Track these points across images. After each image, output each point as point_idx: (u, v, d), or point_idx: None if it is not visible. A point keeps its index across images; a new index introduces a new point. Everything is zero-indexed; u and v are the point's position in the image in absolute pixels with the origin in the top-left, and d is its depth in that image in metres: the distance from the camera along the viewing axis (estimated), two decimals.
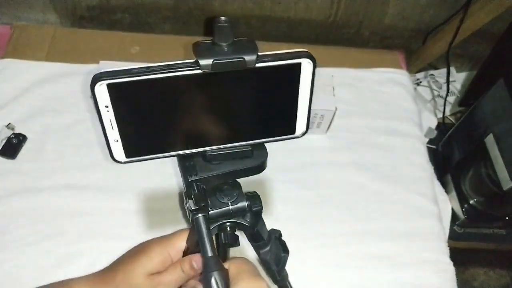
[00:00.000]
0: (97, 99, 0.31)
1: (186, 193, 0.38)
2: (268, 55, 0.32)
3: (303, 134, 0.38)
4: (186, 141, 0.35)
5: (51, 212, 0.66)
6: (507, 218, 0.94)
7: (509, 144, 0.75)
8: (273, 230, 0.49)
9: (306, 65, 0.33)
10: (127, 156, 0.34)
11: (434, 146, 1.01)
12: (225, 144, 0.36)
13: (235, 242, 0.42)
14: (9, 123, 0.73)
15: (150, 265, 0.44)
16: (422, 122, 0.88)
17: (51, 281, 0.53)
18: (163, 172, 0.71)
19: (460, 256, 0.77)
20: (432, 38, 0.98)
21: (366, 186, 0.74)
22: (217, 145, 0.36)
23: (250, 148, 0.38)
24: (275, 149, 0.76)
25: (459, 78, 1.12)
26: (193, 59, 0.31)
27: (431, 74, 1.09)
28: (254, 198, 0.41)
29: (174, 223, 0.67)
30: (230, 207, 0.40)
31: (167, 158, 0.36)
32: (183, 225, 0.67)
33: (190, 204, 0.37)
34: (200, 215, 0.37)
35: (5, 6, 0.90)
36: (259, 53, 0.32)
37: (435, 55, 0.98)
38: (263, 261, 0.49)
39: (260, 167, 0.39)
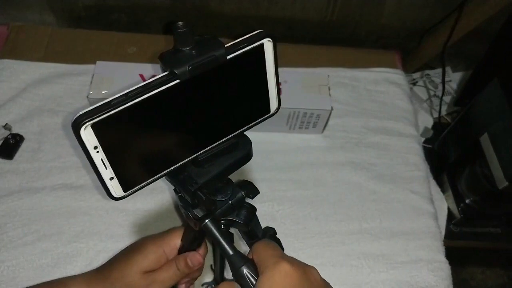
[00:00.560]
0: (85, 143, 0.29)
1: (191, 204, 0.38)
2: (232, 45, 0.32)
3: (277, 110, 0.39)
4: (178, 152, 0.35)
5: (48, 212, 0.67)
6: (503, 217, 0.94)
7: (504, 143, 0.75)
8: (267, 228, 0.49)
9: (267, 45, 0.34)
10: (125, 190, 0.33)
11: (430, 146, 1.01)
12: (214, 143, 0.36)
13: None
14: (6, 124, 0.73)
15: (145, 263, 0.44)
16: (418, 121, 0.88)
17: (50, 280, 0.53)
18: None
19: (457, 255, 0.78)
20: (427, 38, 0.98)
21: (362, 185, 0.75)
22: (206, 147, 0.36)
23: (236, 140, 0.38)
24: (272, 149, 0.77)
25: (455, 78, 1.13)
26: (164, 72, 0.30)
27: (427, 74, 1.10)
28: (245, 184, 0.41)
29: (170, 223, 0.68)
30: (230, 201, 0.40)
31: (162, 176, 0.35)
32: (178, 223, 0.68)
33: (198, 212, 0.38)
34: (207, 220, 0.38)
35: (2, 6, 0.90)
36: (226, 44, 0.32)
37: (431, 55, 0.98)
38: None
39: (248, 155, 0.40)
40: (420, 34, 0.99)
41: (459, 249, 0.92)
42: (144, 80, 0.32)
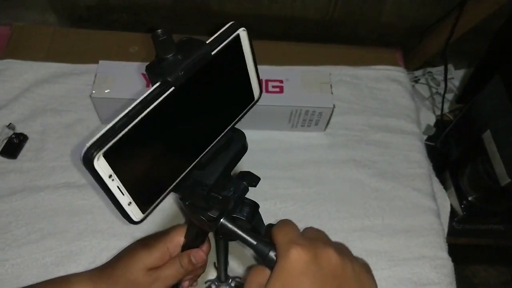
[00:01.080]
0: (100, 174, 0.28)
1: (205, 207, 0.38)
2: (212, 41, 0.32)
3: (260, 95, 0.40)
4: (184, 159, 0.35)
5: (52, 210, 0.67)
6: (505, 214, 0.94)
7: (506, 140, 0.75)
8: (270, 225, 0.49)
9: (243, 34, 0.34)
10: (143, 212, 0.32)
11: (432, 143, 1.01)
12: (213, 142, 0.36)
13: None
14: (10, 123, 0.73)
15: (149, 260, 0.45)
16: (420, 119, 0.88)
17: (54, 277, 0.54)
18: None
19: (460, 252, 0.78)
20: (429, 35, 0.98)
21: (364, 183, 0.75)
22: (207, 147, 0.36)
23: (231, 134, 0.39)
24: (274, 147, 0.77)
25: (457, 75, 1.13)
26: (156, 83, 0.30)
27: (429, 72, 1.10)
28: (244, 175, 0.41)
29: (173, 220, 0.68)
30: (236, 195, 0.40)
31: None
32: (182, 221, 0.68)
33: (213, 213, 0.38)
34: (222, 219, 0.38)
35: (4, 6, 0.90)
36: (207, 41, 0.32)
37: (433, 53, 0.98)
38: (259, 256, 0.49)
39: (244, 146, 0.40)
40: (422, 32, 0.99)
41: (462, 246, 0.92)
42: (147, 80, 0.32)
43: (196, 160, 0.35)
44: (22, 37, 0.86)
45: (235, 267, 0.65)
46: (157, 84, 0.30)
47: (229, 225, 0.39)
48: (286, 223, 0.35)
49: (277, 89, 0.73)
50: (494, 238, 0.96)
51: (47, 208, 0.67)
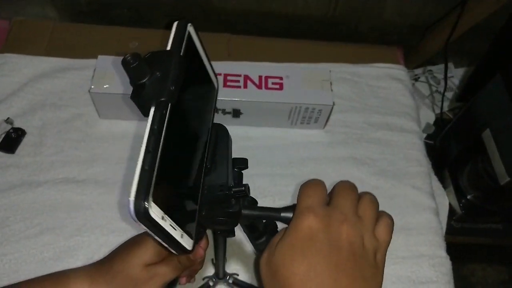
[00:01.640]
0: (156, 220, 0.27)
1: (232, 204, 0.37)
2: (174, 43, 0.32)
3: (217, 84, 0.41)
4: (197, 167, 0.35)
5: (50, 205, 0.67)
6: (504, 213, 0.94)
7: (506, 139, 0.75)
8: (267, 223, 0.49)
9: (191, 29, 0.34)
10: (191, 238, 0.32)
11: (431, 142, 1.01)
12: (207, 143, 0.37)
13: (231, 232, 0.43)
14: (8, 118, 0.73)
15: (146, 256, 0.44)
16: (420, 117, 0.88)
17: (52, 272, 0.53)
18: None
19: (458, 251, 0.78)
20: (430, 34, 0.98)
21: (363, 180, 0.75)
22: (206, 150, 0.36)
23: (215, 130, 0.39)
24: (274, 144, 0.77)
25: (457, 74, 1.12)
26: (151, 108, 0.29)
27: (429, 70, 1.10)
28: (235, 161, 0.41)
29: None
30: (242, 182, 0.40)
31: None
32: None
33: (234, 208, 0.37)
34: (243, 210, 0.38)
35: (4, 1, 0.90)
36: (167, 49, 0.32)
37: (433, 51, 0.98)
38: (259, 252, 0.49)
39: (229, 136, 0.41)
40: (423, 30, 0.99)
41: (460, 245, 0.92)
42: None
43: (204, 166, 0.35)
44: (21, 32, 0.86)
45: (233, 264, 0.65)
46: (153, 108, 0.29)
47: (250, 212, 0.38)
48: (313, 186, 0.35)
49: (277, 86, 0.73)
50: (493, 237, 0.96)
51: (45, 203, 0.67)
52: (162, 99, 0.29)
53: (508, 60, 0.78)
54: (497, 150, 0.76)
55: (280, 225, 0.51)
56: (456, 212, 0.91)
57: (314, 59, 0.86)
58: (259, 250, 0.47)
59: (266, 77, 0.74)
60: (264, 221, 0.44)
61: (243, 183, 0.39)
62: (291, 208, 0.36)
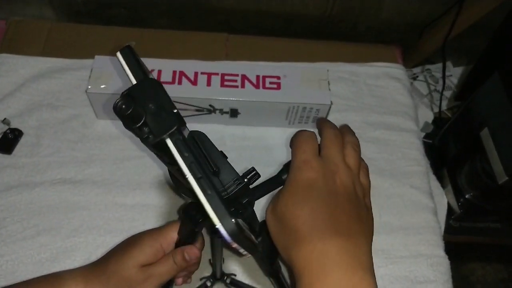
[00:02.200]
0: (246, 231, 0.31)
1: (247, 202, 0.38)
2: (135, 73, 0.33)
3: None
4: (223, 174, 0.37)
5: (47, 206, 0.67)
6: (503, 212, 0.94)
7: (504, 137, 0.75)
8: (265, 221, 0.49)
9: (120, 57, 0.34)
10: (256, 237, 0.37)
11: (430, 141, 1.01)
12: (203, 152, 0.37)
13: None
14: (5, 118, 0.73)
15: (142, 257, 0.44)
16: (419, 116, 0.88)
17: (47, 273, 0.53)
18: (158, 167, 0.72)
19: (457, 250, 0.78)
20: (428, 33, 0.98)
21: None
22: (207, 160, 0.37)
23: (191, 134, 0.39)
24: (272, 144, 0.76)
25: (456, 73, 1.12)
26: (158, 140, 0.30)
27: (428, 69, 1.09)
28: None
29: (168, 217, 0.68)
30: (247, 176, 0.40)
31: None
32: (176, 218, 0.68)
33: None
34: (257, 191, 0.39)
35: (1, 1, 0.90)
36: (133, 82, 0.32)
37: (432, 50, 0.98)
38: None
39: (207, 137, 0.41)
40: (421, 29, 0.99)
41: (459, 244, 0.92)
42: None
43: (213, 171, 0.36)
44: (18, 32, 0.85)
45: (231, 264, 0.65)
46: (169, 140, 0.29)
47: (260, 191, 0.39)
48: (306, 139, 0.38)
49: (275, 86, 0.73)
50: (492, 236, 0.96)
51: (42, 204, 0.67)
52: (173, 128, 0.29)
53: (506, 59, 0.78)
54: (495, 149, 0.76)
55: None
56: (454, 211, 0.91)
57: (312, 59, 0.86)
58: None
59: (264, 77, 0.73)
60: (260, 221, 0.43)
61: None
62: (287, 167, 0.38)
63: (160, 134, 0.29)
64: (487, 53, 0.82)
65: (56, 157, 0.71)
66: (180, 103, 0.71)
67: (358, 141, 0.40)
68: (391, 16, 0.96)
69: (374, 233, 0.71)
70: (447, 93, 1.08)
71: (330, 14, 0.94)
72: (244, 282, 0.63)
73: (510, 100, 0.73)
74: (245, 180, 0.36)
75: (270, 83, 0.73)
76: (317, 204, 0.34)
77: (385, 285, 0.66)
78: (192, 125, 0.74)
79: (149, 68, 0.72)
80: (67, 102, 0.77)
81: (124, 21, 0.96)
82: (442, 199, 0.89)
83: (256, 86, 0.72)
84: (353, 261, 0.34)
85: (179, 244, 0.47)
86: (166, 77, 0.71)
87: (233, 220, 0.27)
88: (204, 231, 0.49)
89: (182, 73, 0.72)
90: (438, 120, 1.03)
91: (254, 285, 0.63)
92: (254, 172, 0.37)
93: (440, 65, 1.09)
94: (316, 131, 0.40)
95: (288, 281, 0.58)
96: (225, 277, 0.62)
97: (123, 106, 0.28)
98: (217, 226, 0.27)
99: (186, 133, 0.34)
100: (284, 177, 0.38)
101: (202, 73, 0.72)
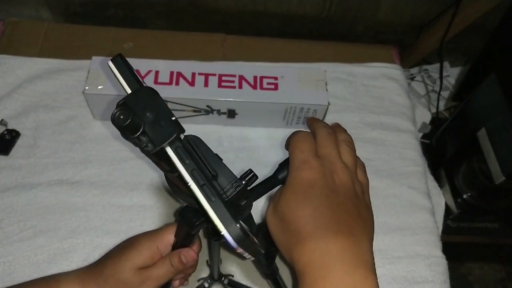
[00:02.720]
0: (250, 236, 0.30)
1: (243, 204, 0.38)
2: (129, 83, 0.32)
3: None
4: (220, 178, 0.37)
5: (44, 207, 0.66)
6: (500, 212, 0.94)
7: (501, 138, 0.75)
8: (262, 223, 0.49)
9: (111, 65, 0.34)
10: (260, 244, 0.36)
11: (427, 141, 1.01)
12: (199, 156, 0.37)
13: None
14: (2, 119, 0.73)
15: (139, 259, 0.44)
16: (416, 117, 0.88)
17: (44, 276, 0.53)
18: (155, 168, 0.71)
19: (455, 250, 0.78)
20: (425, 33, 0.98)
21: None
22: (204, 164, 0.37)
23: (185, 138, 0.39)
24: (270, 145, 0.76)
25: (453, 73, 1.12)
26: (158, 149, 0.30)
27: (425, 69, 1.10)
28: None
29: (166, 218, 0.68)
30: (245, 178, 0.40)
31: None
32: (173, 220, 0.68)
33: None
34: (254, 191, 0.39)
35: None
36: (127, 91, 0.32)
37: (429, 50, 0.98)
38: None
39: (202, 140, 0.41)
40: (418, 29, 0.99)
41: (457, 244, 0.93)
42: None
43: (212, 175, 0.36)
44: (15, 33, 0.85)
45: (228, 265, 0.65)
46: (169, 148, 0.29)
47: (256, 192, 0.39)
48: (303, 139, 0.38)
49: (272, 86, 0.73)
50: (489, 236, 0.96)
51: (39, 205, 0.67)
52: (173, 136, 0.29)
53: (502, 59, 0.78)
54: (492, 149, 0.76)
55: None
56: (452, 211, 0.91)
57: (309, 59, 0.86)
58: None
59: (261, 77, 0.73)
60: (257, 223, 0.43)
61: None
62: (284, 167, 0.39)
63: (160, 143, 0.29)
64: (484, 53, 0.82)
65: (53, 158, 0.71)
66: (177, 103, 0.71)
67: (351, 138, 0.40)
68: (388, 16, 0.96)
69: None
70: (445, 94, 1.09)
71: (327, 15, 0.94)
72: (241, 283, 0.63)
73: (507, 100, 0.73)
74: (243, 182, 0.36)
75: (268, 83, 0.73)
76: (318, 203, 0.34)
77: (383, 285, 0.66)
78: (190, 126, 0.74)
79: (146, 69, 0.72)
80: (64, 103, 0.77)
81: (121, 22, 0.96)
82: (440, 199, 0.89)
83: (254, 87, 0.72)
84: (355, 259, 0.34)
85: (176, 246, 0.47)
86: (163, 78, 0.71)
87: (238, 226, 0.28)
88: (200, 233, 0.49)
89: (179, 74, 0.72)
90: (436, 120, 1.03)
91: (251, 286, 0.63)
92: (252, 174, 0.37)
93: (437, 65, 1.09)
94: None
95: (286, 283, 0.58)
96: (223, 278, 0.62)
97: (121, 117, 0.28)
98: (222, 233, 0.27)
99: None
100: (280, 176, 0.38)
101: (199, 73, 0.72)
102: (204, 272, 0.64)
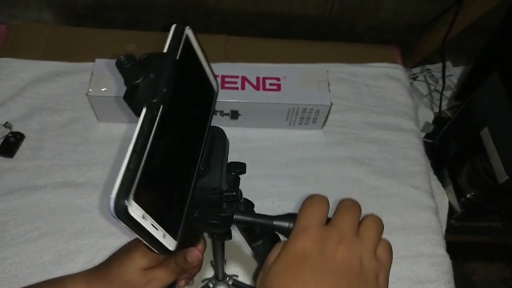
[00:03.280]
0: (135, 219, 0.27)
1: (222, 210, 0.37)
2: (170, 47, 0.32)
3: (218, 87, 0.40)
4: (189, 170, 0.35)
5: (49, 209, 0.67)
6: (503, 211, 0.94)
7: (504, 137, 0.75)
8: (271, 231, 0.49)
9: (189, 32, 0.34)
10: (175, 239, 0.32)
11: (430, 140, 1.01)
12: (202, 146, 0.37)
13: (227, 235, 0.42)
14: (7, 122, 0.73)
15: (144, 260, 0.44)
16: (419, 116, 0.88)
17: (50, 278, 0.53)
18: None
19: (459, 250, 0.78)
20: (427, 33, 0.98)
21: (362, 180, 0.75)
22: (200, 153, 0.36)
23: (211, 133, 0.39)
24: (272, 145, 0.77)
25: (455, 72, 1.12)
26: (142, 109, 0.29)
27: (428, 69, 1.10)
28: (230, 166, 0.40)
29: None
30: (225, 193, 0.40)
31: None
32: None
33: (228, 213, 0.37)
34: (235, 215, 0.38)
35: (0, 5, 0.90)
36: (164, 51, 0.31)
37: (431, 50, 0.98)
38: (256, 254, 0.49)
39: (227, 139, 0.40)
40: (419, 29, 0.99)
41: (461, 243, 0.92)
42: None
43: (197, 169, 0.35)
44: (18, 36, 0.86)
45: (233, 266, 0.65)
46: (144, 109, 0.29)
47: (243, 218, 0.38)
48: (313, 203, 0.34)
49: (275, 87, 0.73)
50: (493, 235, 0.96)
51: (44, 207, 0.67)
52: (154, 100, 0.29)
53: (505, 58, 0.78)
54: (495, 149, 0.76)
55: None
56: (455, 211, 0.91)
57: (311, 59, 0.86)
58: (256, 252, 0.46)
59: (264, 78, 0.74)
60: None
61: (239, 187, 0.38)
62: (284, 217, 0.36)
63: (141, 100, 0.29)
64: (486, 52, 0.82)
65: (57, 160, 0.71)
66: None
67: (381, 220, 0.34)
68: (389, 16, 0.96)
69: None
70: (447, 93, 1.09)
71: (329, 15, 0.95)
72: (246, 283, 0.64)
73: (509, 99, 0.73)
74: (222, 196, 0.35)
75: (270, 84, 0.73)
76: (309, 280, 0.30)
77: None
78: None
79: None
80: (68, 106, 0.77)
81: (123, 24, 0.97)
82: (443, 198, 0.89)
83: (256, 88, 0.73)
84: None
85: (180, 246, 0.47)
86: None
87: (126, 201, 0.26)
88: (206, 233, 0.49)
89: None
90: (439, 120, 1.03)
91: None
92: (234, 194, 0.36)
93: (439, 65, 1.09)
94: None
95: None
96: (227, 278, 0.63)
97: (124, 60, 0.28)
98: (110, 196, 0.26)
99: None
100: (275, 223, 0.36)
101: None
102: (209, 273, 0.64)
